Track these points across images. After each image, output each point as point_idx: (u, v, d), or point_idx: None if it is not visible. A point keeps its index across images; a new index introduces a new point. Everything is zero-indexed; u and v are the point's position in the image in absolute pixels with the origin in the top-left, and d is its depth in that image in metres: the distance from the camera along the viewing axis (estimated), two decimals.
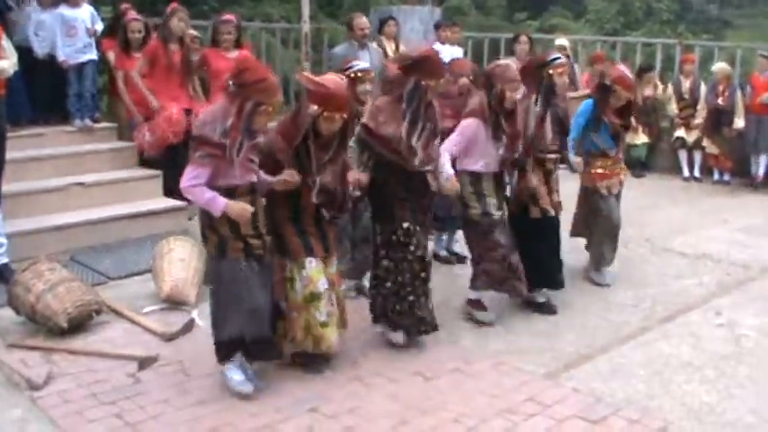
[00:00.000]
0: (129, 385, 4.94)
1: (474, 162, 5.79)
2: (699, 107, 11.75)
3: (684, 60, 12.25)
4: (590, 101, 6.82)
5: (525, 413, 4.66)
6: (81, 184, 7.93)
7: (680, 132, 11.88)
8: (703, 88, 11.82)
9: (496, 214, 5.82)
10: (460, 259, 7.38)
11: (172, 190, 7.75)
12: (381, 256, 5.37)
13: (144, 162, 8.68)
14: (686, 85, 11.95)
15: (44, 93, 8.81)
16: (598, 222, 6.86)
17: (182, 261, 6.26)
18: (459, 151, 5.74)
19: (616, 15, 23.96)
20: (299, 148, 4.80)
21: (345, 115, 4.79)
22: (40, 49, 8.66)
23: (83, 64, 8.80)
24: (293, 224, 4.93)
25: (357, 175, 5.22)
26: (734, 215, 9.70)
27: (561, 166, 6.56)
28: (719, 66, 11.79)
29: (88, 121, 8.80)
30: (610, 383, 5.05)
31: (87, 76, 8.85)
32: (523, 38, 10.91)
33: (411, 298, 5.31)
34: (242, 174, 4.58)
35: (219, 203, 4.48)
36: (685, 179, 11.83)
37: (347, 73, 5.83)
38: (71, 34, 8.73)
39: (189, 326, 5.74)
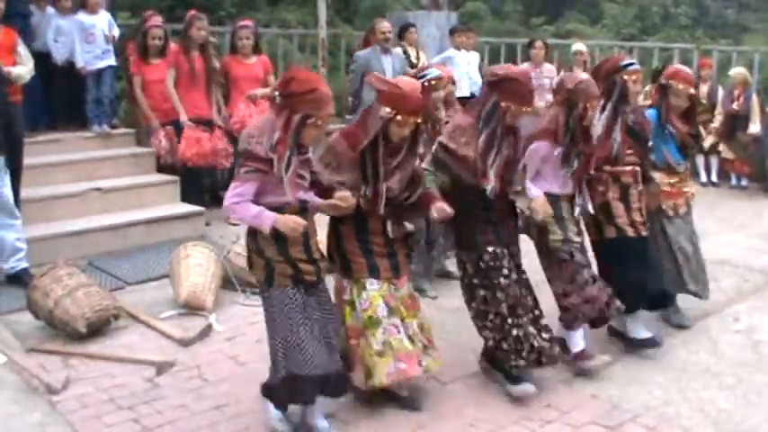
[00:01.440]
0: (146, 390, 4.98)
1: (549, 184, 5.31)
2: (716, 112, 11.70)
3: (702, 65, 12.22)
4: (652, 110, 6.10)
5: (542, 419, 4.66)
6: (99, 189, 8.00)
7: None
8: (721, 93, 11.78)
9: (576, 240, 5.35)
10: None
11: (189, 195, 7.82)
12: (475, 285, 4.98)
13: (162, 168, 8.74)
14: (703, 90, 11.87)
15: (63, 99, 8.94)
16: (666, 246, 6.10)
17: (199, 266, 6.28)
18: (531, 176, 5.27)
19: (633, 20, 23.87)
20: (364, 154, 4.51)
21: (418, 119, 4.51)
22: (58, 56, 8.78)
23: (101, 70, 8.90)
24: (358, 241, 4.63)
25: (443, 206, 4.72)
26: (751, 220, 9.69)
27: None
28: (736, 70, 11.76)
29: (106, 127, 8.88)
30: (627, 390, 5.04)
31: (105, 82, 8.94)
32: (539, 43, 10.94)
33: (515, 332, 4.88)
34: (291, 191, 4.18)
35: (268, 218, 4.10)
36: (703, 184, 11.74)
37: (421, 81, 5.50)
38: (89, 41, 8.84)
39: (206, 331, 5.77)
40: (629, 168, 5.64)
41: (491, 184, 4.81)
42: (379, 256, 4.62)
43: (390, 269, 4.65)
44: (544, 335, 4.98)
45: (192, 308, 6.17)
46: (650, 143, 5.84)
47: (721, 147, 11.64)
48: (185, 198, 8.31)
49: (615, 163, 5.54)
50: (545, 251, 5.38)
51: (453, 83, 6.84)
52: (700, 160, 11.88)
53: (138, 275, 7.01)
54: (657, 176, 5.94)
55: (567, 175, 5.23)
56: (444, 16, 11.97)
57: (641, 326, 5.69)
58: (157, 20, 9.01)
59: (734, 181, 11.74)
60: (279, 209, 4.15)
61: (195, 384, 5.06)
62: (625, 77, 5.48)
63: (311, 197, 4.40)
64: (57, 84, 8.79)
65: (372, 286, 4.57)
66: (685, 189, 6.17)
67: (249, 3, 37.54)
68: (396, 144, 4.53)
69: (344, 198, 4.38)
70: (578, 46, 12.22)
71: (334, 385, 4.31)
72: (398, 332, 4.55)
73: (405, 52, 10.15)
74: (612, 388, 5.07)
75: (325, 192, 4.47)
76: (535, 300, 5.08)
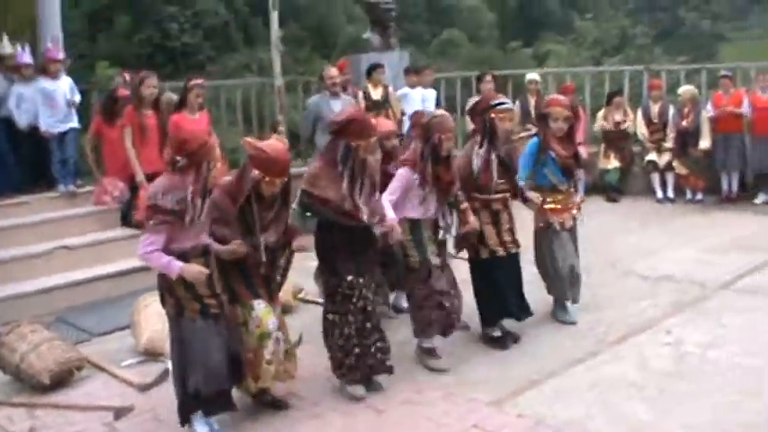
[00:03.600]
0: None
1: (412, 209, 5.97)
2: (668, 130, 12.15)
3: (651, 86, 12.69)
4: (534, 138, 6.90)
5: None
6: (66, 247, 8.36)
7: (651, 156, 12.28)
8: (672, 111, 12.20)
9: (435, 261, 6.00)
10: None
11: None
12: (328, 310, 5.62)
13: (126, 222, 9.08)
14: (655, 109, 12.36)
15: (29, 161, 9.34)
16: (553, 258, 6.88)
17: (157, 315, 6.58)
18: (398, 199, 5.92)
19: (594, 44, 24.44)
20: (243, 208, 5.07)
21: (285, 179, 5.07)
22: (21, 121, 9.17)
23: (64, 132, 9.29)
24: (241, 276, 5.19)
25: (302, 242, 5.50)
26: (701, 233, 10.02)
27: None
28: (684, 88, 12.20)
29: (72, 187, 9.27)
30: (553, 407, 5.36)
31: (69, 143, 9.33)
32: (488, 77, 11.37)
33: (357, 351, 5.56)
34: (195, 237, 4.87)
35: (175, 267, 4.74)
36: (659, 201, 12.18)
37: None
38: (51, 105, 9.23)
39: (164, 376, 6.10)
40: (499, 196, 6.40)
41: (366, 216, 5.47)
42: (259, 287, 5.23)
43: (267, 295, 5.27)
44: (379, 356, 5.69)
45: (151, 355, 6.53)
46: (518, 174, 6.59)
47: (675, 163, 12.05)
48: (123, 222, 8.67)
49: (488, 192, 6.27)
50: (406, 270, 6.06)
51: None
52: (655, 178, 12.30)
53: (103, 327, 7.34)
54: (535, 195, 6.69)
55: (426, 199, 5.91)
56: (397, 56, 12.39)
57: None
58: (123, 89, 9.40)
59: (689, 195, 12.11)
60: (185, 253, 4.82)
61: (151, 426, 5.42)
62: (493, 116, 6.21)
63: (212, 243, 5.01)
64: (22, 148, 9.21)
65: (260, 306, 5.20)
66: (569, 204, 6.90)
67: (227, 45, 38.06)
68: (269, 200, 5.13)
69: (240, 244, 5.03)
70: (531, 75, 12.72)
71: (221, 403, 5.08)
72: (279, 344, 5.26)
73: (365, 93, 10.59)
74: (540, 406, 5.39)
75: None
76: (373, 323, 5.67)
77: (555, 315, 7.06)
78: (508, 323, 6.63)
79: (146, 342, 6.54)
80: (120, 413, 5.53)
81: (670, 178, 12.26)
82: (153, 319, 6.61)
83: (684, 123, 11.86)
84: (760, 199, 11.64)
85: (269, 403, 5.51)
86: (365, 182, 5.47)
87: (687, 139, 11.88)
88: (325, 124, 7.89)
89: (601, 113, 12.71)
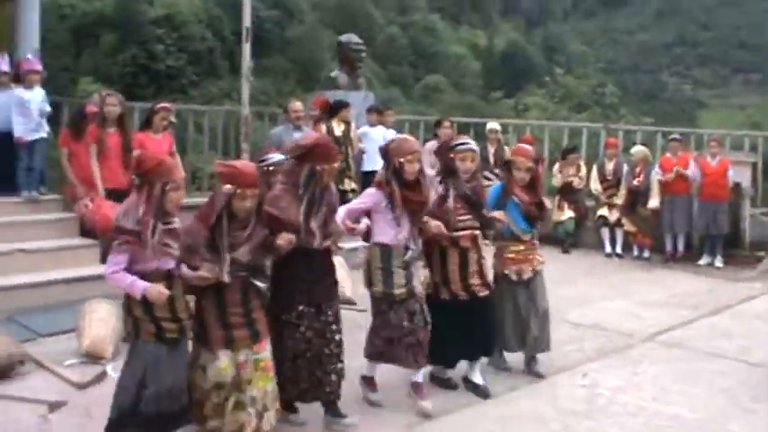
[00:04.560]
0: (37, 424, 5.65)
1: (382, 233, 5.96)
2: (621, 187, 12.64)
3: (607, 144, 13.20)
4: (497, 185, 7.01)
5: None
6: (23, 250, 8.70)
7: (602, 211, 12.76)
8: (626, 169, 12.70)
9: (398, 293, 5.92)
10: None
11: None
12: (281, 335, 5.54)
13: (85, 232, 9.38)
14: (609, 166, 12.85)
15: None
16: (505, 308, 6.83)
17: (101, 320, 6.99)
18: (355, 213, 5.97)
19: (562, 101, 25.02)
20: (215, 229, 5.00)
21: (256, 191, 5.05)
22: None
23: (34, 141, 9.66)
24: (217, 314, 5.08)
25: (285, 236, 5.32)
26: (641, 288, 10.45)
27: (487, 242, 6.69)
28: (637, 149, 12.79)
29: (35, 193, 9.64)
30: None
31: (38, 152, 9.72)
32: (446, 123, 11.88)
33: (304, 374, 5.57)
34: (155, 258, 4.84)
35: (139, 287, 4.76)
36: (607, 255, 12.63)
37: (261, 165, 5.91)
38: (25, 114, 9.61)
39: (101, 376, 6.46)
40: (467, 233, 6.36)
41: (318, 241, 5.54)
42: (237, 327, 5.09)
43: (249, 337, 5.13)
44: (332, 378, 5.65)
45: (92, 357, 6.86)
46: (484, 210, 6.53)
47: (624, 220, 12.53)
48: (104, 260, 8.93)
49: (448, 227, 6.25)
50: (370, 294, 6.10)
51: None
52: (605, 233, 12.76)
53: (51, 329, 7.65)
54: (500, 213, 6.69)
55: (398, 222, 5.90)
56: (362, 96, 12.89)
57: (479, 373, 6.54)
58: (93, 106, 9.62)
59: (636, 252, 12.56)
60: (148, 275, 4.83)
61: (81, 421, 5.74)
62: (452, 156, 6.34)
63: (183, 269, 4.99)
64: None
65: (225, 357, 5.06)
66: (530, 256, 6.87)
67: (211, 71, 38.49)
68: (242, 218, 5.09)
69: (211, 269, 4.94)
70: (492, 124, 13.23)
71: (176, 419, 5.02)
72: (242, 391, 5.09)
73: (328, 128, 11.00)
74: None
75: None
76: (334, 351, 5.65)
77: (492, 362, 6.98)
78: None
79: (88, 345, 6.88)
80: (53, 407, 5.87)
81: (619, 234, 12.70)
82: (96, 324, 6.97)
83: (635, 182, 12.37)
84: (703, 260, 12.07)
85: None
86: (323, 207, 5.56)
87: (637, 197, 12.40)
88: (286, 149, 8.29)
89: (556, 167, 13.19)
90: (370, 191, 6.08)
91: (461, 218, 6.33)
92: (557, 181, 13.09)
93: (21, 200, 9.62)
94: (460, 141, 6.49)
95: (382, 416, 5.99)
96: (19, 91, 9.68)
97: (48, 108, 9.94)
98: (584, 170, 13.09)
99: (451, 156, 6.35)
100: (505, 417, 6.05)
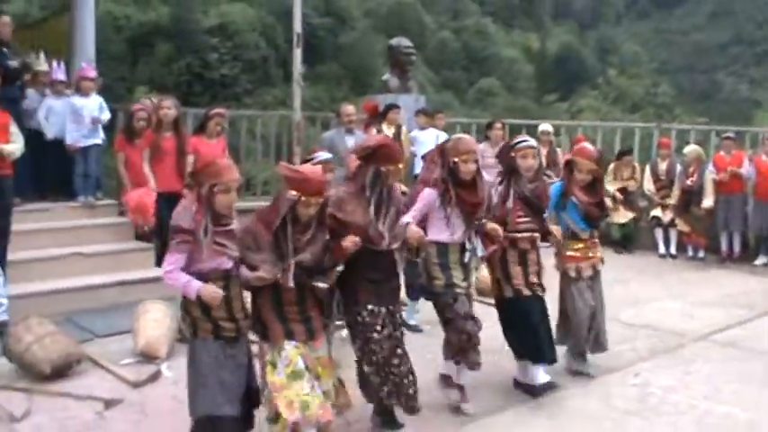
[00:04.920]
0: (94, 421, 5.82)
1: (438, 232, 5.89)
2: (674, 187, 12.54)
3: (660, 144, 13.10)
4: (558, 183, 6.92)
5: None
6: (80, 253, 8.92)
7: (656, 212, 12.66)
8: (679, 169, 12.58)
9: (461, 286, 5.89)
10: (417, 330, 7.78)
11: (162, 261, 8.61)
12: (354, 337, 5.53)
13: (139, 236, 9.60)
14: (662, 166, 12.74)
15: (53, 171, 9.97)
16: (567, 306, 6.86)
17: (155, 321, 7.13)
18: (418, 218, 5.79)
19: (615, 101, 24.82)
20: (278, 233, 5.01)
21: (321, 200, 5.05)
22: (49, 133, 9.86)
23: (88, 147, 9.92)
24: (274, 310, 5.09)
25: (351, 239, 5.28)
26: (694, 289, 10.34)
27: (544, 244, 6.67)
28: (690, 148, 12.65)
29: (91, 198, 9.88)
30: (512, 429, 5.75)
31: (92, 158, 9.96)
32: (498, 124, 11.80)
33: (394, 378, 5.47)
34: (211, 258, 4.81)
35: (193, 287, 4.74)
36: (661, 256, 12.53)
37: (309, 163, 5.82)
38: (78, 121, 9.88)
39: (155, 375, 6.61)
40: (526, 235, 6.36)
41: (386, 242, 5.47)
42: (294, 322, 5.09)
43: (305, 332, 5.10)
44: (410, 389, 5.53)
45: (147, 357, 7.00)
46: (546, 214, 6.56)
47: (677, 220, 12.42)
48: (159, 264, 9.11)
49: (512, 228, 6.27)
50: (431, 293, 5.97)
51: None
52: (658, 233, 12.66)
53: (107, 330, 7.84)
54: (556, 228, 6.67)
55: (451, 221, 5.84)
56: (413, 99, 12.93)
57: (541, 372, 6.42)
58: (141, 105, 9.96)
59: (691, 253, 12.46)
60: (205, 275, 4.81)
61: (137, 418, 5.88)
62: (513, 155, 6.32)
63: (242, 269, 4.98)
64: (48, 158, 9.85)
65: (290, 346, 5.02)
66: (590, 255, 6.86)
67: (265, 79, 38.82)
68: (305, 222, 5.07)
69: (269, 271, 4.94)
70: (544, 126, 13.11)
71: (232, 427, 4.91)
72: (313, 389, 5.00)
73: (379, 131, 11.05)
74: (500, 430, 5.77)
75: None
76: (406, 354, 5.58)
77: (570, 366, 6.98)
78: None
79: (143, 345, 7.02)
80: (109, 404, 6.01)
81: (673, 235, 12.61)
82: (151, 325, 7.11)
83: (689, 182, 12.27)
84: (760, 260, 11.90)
85: None
86: (390, 209, 5.53)
87: (691, 197, 12.30)
88: (341, 157, 8.49)
89: (610, 168, 13.06)
90: (423, 193, 5.93)
91: (520, 220, 6.34)
92: (612, 185, 12.71)
93: (78, 205, 9.90)
94: (520, 139, 6.52)
95: (426, 416, 5.89)
96: (74, 98, 9.95)
97: (104, 116, 10.17)
98: (638, 172, 12.98)
99: (512, 155, 6.34)
100: (559, 415, 6.05)
